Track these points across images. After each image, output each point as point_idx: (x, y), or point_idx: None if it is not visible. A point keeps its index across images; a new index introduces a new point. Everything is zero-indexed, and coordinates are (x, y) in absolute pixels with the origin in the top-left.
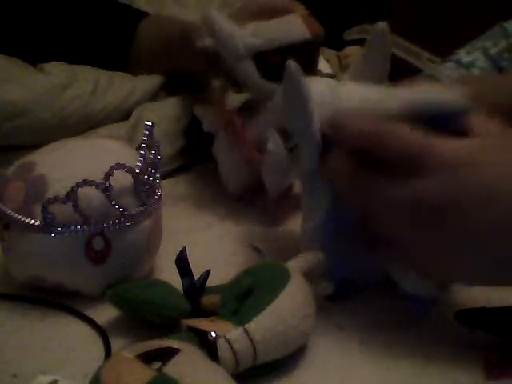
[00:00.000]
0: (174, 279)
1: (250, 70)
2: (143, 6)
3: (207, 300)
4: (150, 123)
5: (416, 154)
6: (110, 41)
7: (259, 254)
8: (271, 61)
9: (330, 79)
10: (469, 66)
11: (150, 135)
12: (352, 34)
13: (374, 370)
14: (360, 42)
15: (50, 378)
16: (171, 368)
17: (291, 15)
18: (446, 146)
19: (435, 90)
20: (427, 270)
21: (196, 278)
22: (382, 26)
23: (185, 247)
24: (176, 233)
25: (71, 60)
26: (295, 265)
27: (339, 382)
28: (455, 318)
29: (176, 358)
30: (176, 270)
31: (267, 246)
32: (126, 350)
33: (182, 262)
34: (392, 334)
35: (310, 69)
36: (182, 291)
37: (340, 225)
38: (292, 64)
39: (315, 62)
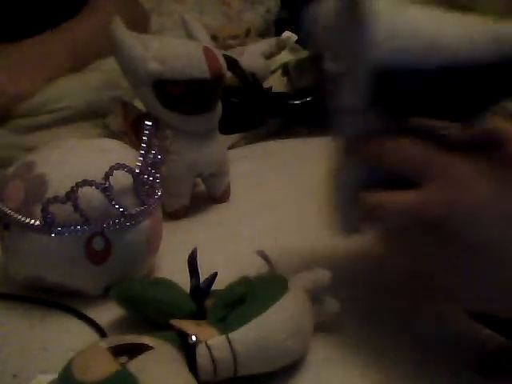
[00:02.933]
0: (174, 279)
1: (148, 96)
2: (142, 2)
3: (211, 302)
4: (150, 123)
5: (418, 166)
6: None
7: (266, 262)
8: (170, 91)
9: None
10: None
11: (150, 135)
12: None
13: (373, 374)
14: None
15: (49, 378)
16: (135, 364)
17: (197, 48)
18: (446, 157)
19: None
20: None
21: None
22: None
23: (196, 248)
24: (176, 233)
25: None
26: (299, 280)
27: None
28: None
29: (144, 356)
30: (176, 270)
31: (275, 254)
32: (103, 340)
33: (192, 262)
34: (392, 335)
35: (208, 106)
36: (186, 291)
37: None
38: None
39: (214, 100)
